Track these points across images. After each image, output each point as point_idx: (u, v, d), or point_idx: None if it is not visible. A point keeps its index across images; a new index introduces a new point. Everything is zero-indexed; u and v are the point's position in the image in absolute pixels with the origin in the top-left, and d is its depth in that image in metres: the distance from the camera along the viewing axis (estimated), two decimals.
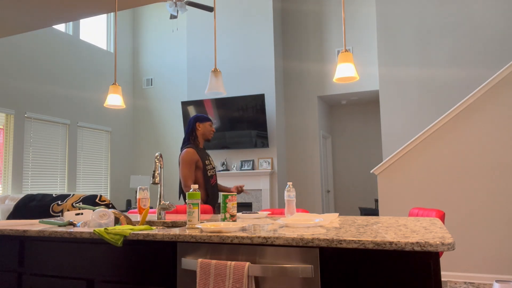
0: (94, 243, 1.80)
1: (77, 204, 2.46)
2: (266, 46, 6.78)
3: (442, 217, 2.48)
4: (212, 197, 3.07)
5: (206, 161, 3.08)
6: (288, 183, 2.30)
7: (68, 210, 2.54)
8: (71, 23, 7.37)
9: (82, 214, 2.20)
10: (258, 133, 6.53)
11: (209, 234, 1.58)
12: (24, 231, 1.92)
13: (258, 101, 6.49)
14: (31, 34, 6.55)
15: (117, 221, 2.11)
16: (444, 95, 5.26)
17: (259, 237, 1.48)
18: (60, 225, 2.02)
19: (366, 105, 7.95)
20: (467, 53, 5.20)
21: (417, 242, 1.28)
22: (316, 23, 7.20)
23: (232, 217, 2.00)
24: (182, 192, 3.08)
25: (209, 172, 3.08)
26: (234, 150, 6.84)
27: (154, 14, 8.66)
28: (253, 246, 1.51)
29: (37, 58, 6.61)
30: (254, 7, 6.92)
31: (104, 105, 3.00)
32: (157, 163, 2.26)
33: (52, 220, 2.12)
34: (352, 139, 7.99)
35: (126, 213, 2.37)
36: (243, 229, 1.69)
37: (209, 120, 3.16)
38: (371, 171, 4.51)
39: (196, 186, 1.93)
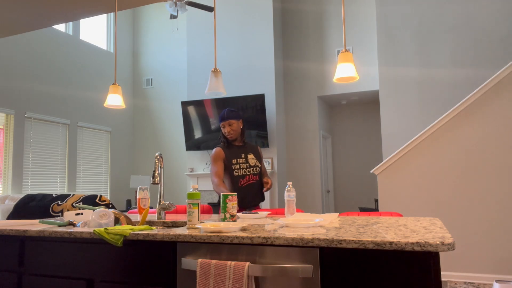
0: (94, 243, 1.80)
1: (77, 204, 2.46)
2: (266, 46, 6.78)
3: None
4: (241, 199, 2.82)
5: (235, 160, 2.89)
6: (288, 183, 2.30)
7: (68, 210, 2.54)
8: (71, 23, 7.37)
9: (82, 214, 2.20)
10: (258, 133, 6.53)
11: (209, 234, 1.58)
12: (24, 231, 1.92)
13: (258, 101, 6.49)
14: (31, 34, 6.55)
15: (117, 221, 2.11)
16: (444, 95, 5.26)
17: (259, 237, 1.48)
18: (60, 225, 2.02)
19: (366, 105, 7.95)
20: (467, 53, 5.20)
21: (417, 242, 1.28)
22: (316, 23, 7.20)
23: (232, 217, 2.00)
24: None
25: (237, 172, 2.87)
26: None
27: (154, 14, 8.66)
28: (253, 246, 1.51)
29: (37, 58, 6.61)
30: (254, 7, 6.92)
31: (104, 105, 3.00)
32: (157, 163, 2.26)
33: (52, 220, 2.12)
34: (352, 139, 7.99)
35: (126, 213, 2.37)
36: (243, 229, 1.69)
37: (220, 119, 2.98)
38: (371, 171, 4.51)
39: (196, 186, 1.93)
